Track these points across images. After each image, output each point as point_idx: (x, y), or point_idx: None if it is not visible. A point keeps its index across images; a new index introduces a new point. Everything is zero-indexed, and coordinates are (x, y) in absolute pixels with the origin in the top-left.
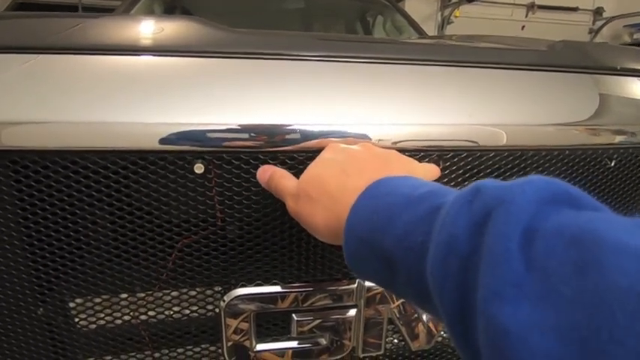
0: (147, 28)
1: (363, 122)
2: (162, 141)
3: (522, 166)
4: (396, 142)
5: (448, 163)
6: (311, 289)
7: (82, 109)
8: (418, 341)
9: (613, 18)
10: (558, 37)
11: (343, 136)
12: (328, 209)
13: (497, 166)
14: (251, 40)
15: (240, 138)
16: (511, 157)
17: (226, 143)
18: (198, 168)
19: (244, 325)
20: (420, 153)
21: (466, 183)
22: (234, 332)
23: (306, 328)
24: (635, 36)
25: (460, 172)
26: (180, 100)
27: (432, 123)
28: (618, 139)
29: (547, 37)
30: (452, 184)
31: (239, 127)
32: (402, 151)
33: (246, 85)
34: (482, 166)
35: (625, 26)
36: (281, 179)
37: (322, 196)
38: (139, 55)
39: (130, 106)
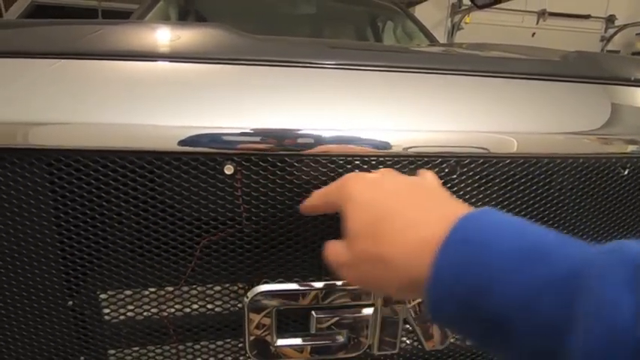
0: (171, 36)
1: (382, 128)
2: (190, 143)
3: (537, 173)
4: (407, 148)
5: (464, 169)
6: (331, 287)
7: (116, 111)
8: (432, 341)
9: (625, 26)
10: (569, 44)
11: (362, 141)
12: (396, 270)
13: (510, 172)
14: (277, 48)
15: (267, 141)
16: (526, 165)
17: (253, 146)
18: (228, 169)
19: (266, 321)
20: (435, 159)
21: (476, 190)
22: (257, 327)
23: (324, 325)
24: None
25: (471, 179)
26: (209, 105)
27: (444, 130)
28: (630, 148)
29: (558, 44)
30: (462, 191)
31: (265, 131)
32: (416, 156)
33: (271, 91)
34: (494, 173)
35: (638, 34)
36: (327, 250)
37: (385, 257)
38: (167, 61)
39: (163, 110)
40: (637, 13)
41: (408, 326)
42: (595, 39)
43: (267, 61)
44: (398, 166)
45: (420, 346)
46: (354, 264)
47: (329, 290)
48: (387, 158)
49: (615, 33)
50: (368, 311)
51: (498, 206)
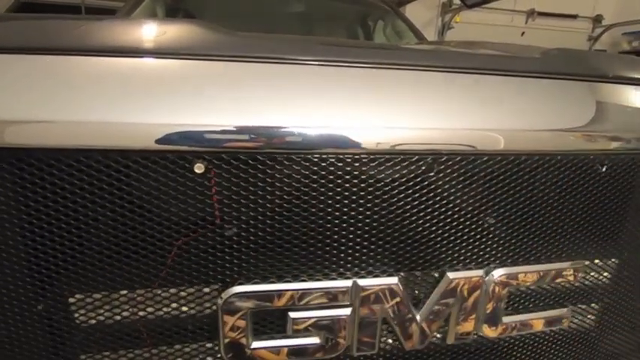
0: (148, 31)
1: (361, 126)
2: (161, 141)
3: (515, 170)
4: (394, 146)
5: (443, 167)
6: (307, 287)
7: (83, 108)
8: (411, 341)
9: (612, 26)
10: (558, 43)
11: (340, 139)
12: None
13: (492, 170)
14: (250, 43)
15: (239, 139)
16: (504, 162)
17: (225, 144)
18: (199, 168)
19: (241, 323)
20: (416, 156)
21: (462, 187)
22: (231, 329)
23: (301, 327)
24: (633, 44)
25: (456, 175)
26: (179, 102)
27: (429, 127)
28: (613, 145)
29: (546, 43)
30: (447, 186)
31: (238, 129)
32: (400, 154)
33: (245, 88)
34: (478, 170)
35: (624, 34)
36: None
37: None
38: (140, 57)
39: (131, 107)
40: (623, 13)
41: (387, 326)
42: (583, 38)
43: (241, 57)
44: (380, 164)
45: (399, 346)
46: None
47: (305, 291)
48: (370, 156)
49: (602, 32)
50: (345, 312)
51: (484, 202)
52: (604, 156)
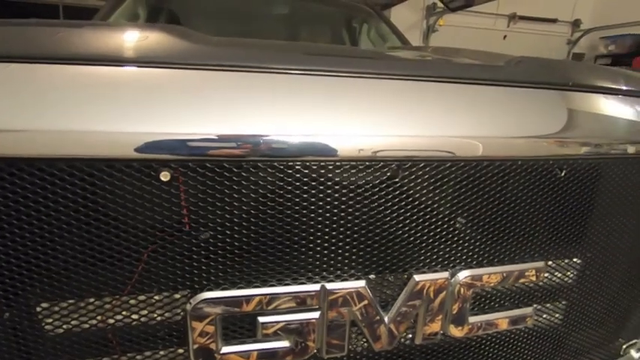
0: (121, 39)
1: (334, 133)
2: (128, 149)
3: (487, 175)
4: (376, 152)
5: (411, 172)
6: (275, 292)
7: (51, 117)
8: (380, 342)
9: (590, 30)
10: (538, 47)
11: (310, 147)
12: None
13: (463, 175)
14: (221, 51)
15: (204, 147)
16: (478, 168)
17: (190, 152)
18: (164, 176)
19: (210, 328)
20: (382, 163)
21: (430, 191)
22: (200, 335)
23: (270, 331)
24: (609, 48)
25: (424, 180)
26: (147, 111)
27: (408, 135)
28: (583, 150)
29: (528, 46)
30: (413, 191)
31: (202, 137)
32: (380, 161)
33: (211, 96)
34: (448, 175)
35: (601, 38)
36: None
37: None
38: (112, 65)
39: (98, 115)
40: (601, 17)
41: (356, 328)
42: (562, 42)
43: (213, 65)
44: (350, 170)
45: (369, 348)
46: None
47: (274, 296)
48: (338, 163)
49: (580, 37)
50: (314, 315)
51: (452, 207)
52: (572, 161)
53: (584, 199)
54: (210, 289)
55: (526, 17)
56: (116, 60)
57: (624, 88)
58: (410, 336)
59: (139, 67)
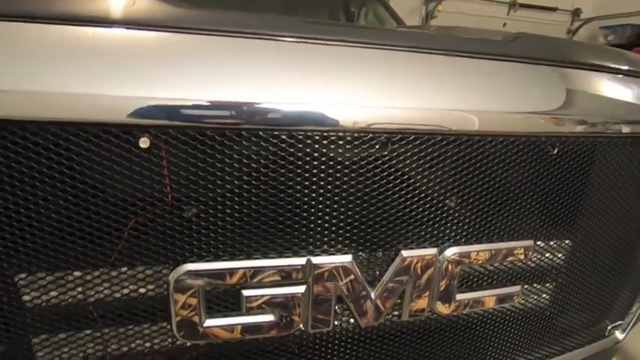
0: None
1: (323, 103)
2: (97, 113)
3: (480, 151)
4: (368, 124)
5: (401, 147)
6: (259, 265)
7: (24, 78)
8: (366, 318)
9: (590, 19)
10: None
11: (301, 117)
12: None
13: (455, 151)
14: (206, 15)
15: (186, 114)
16: (470, 143)
17: (172, 118)
18: (144, 142)
19: (193, 301)
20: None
21: (421, 167)
22: (183, 308)
23: (254, 304)
24: (609, 38)
25: (414, 155)
26: (126, 74)
27: (400, 106)
28: (578, 128)
29: None
30: (403, 166)
31: (184, 103)
32: (370, 132)
33: (194, 61)
34: (439, 151)
35: (601, 28)
36: None
37: None
38: (89, 25)
39: (76, 77)
40: (601, 7)
41: (342, 304)
42: (562, 31)
43: (196, 29)
44: (341, 143)
45: (355, 323)
46: None
47: (258, 269)
48: (325, 134)
49: (580, 26)
50: (299, 289)
51: (443, 183)
52: (564, 139)
53: (577, 178)
54: (194, 261)
55: (526, 5)
56: (100, 21)
57: (623, 67)
58: (396, 313)
59: (123, 28)
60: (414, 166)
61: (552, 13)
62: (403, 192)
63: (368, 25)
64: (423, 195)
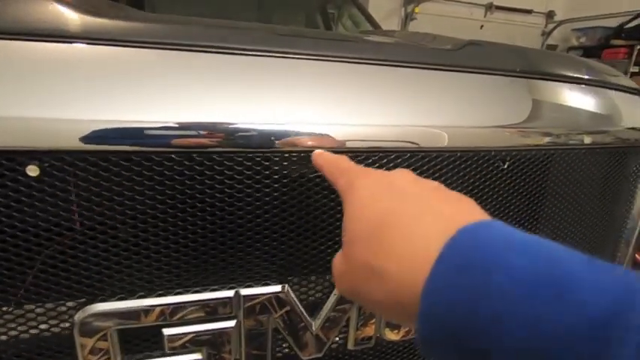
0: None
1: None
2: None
3: (438, 167)
4: (343, 142)
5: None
6: (179, 301)
7: None
8: (308, 350)
9: (562, 22)
10: (514, 37)
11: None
12: (389, 290)
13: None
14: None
15: (74, 137)
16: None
17: (58, 144)
18: (32, 170)
19: (103, 345)
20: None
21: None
22: (92, 353)
23: (177, 344)
24: (580, 40)
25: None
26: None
27: (376, 124)
28: (545, 140)
29: (504, 36)
30: None
31: (74, 124)
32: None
33: (115, 78)
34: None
35: (573, 30)
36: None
37: (379, 270)
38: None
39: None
40: (574, 9)
41: (281, 336)
42: (537, 33)
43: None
44: (269, 164)
45: (295, 356)
46: (349, 271)
47: (177, 305)
48: (257, 155)
49: (554, 28)
50: (229, 324)
51: None
52: (515, 152)
53: (537, 189)
54: (104, 300)
55: (502, 7)
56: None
57: (584, 77)
58: (341, 342)
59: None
60: None
61: (528, 16)
62: (340, 212)
63: (331, 34)
64: None
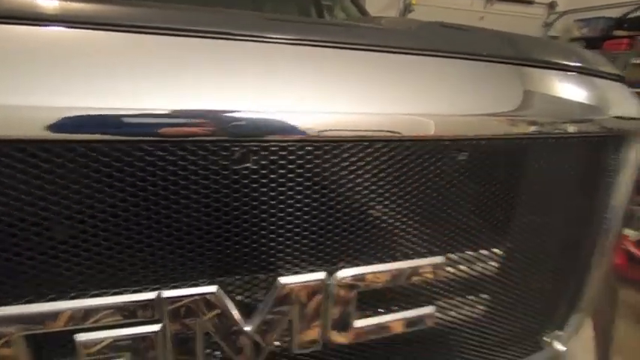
0: None
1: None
2: None
3: (412, 157)
4: (322, 131)
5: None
6: (92, 304)
7: None
8: (243, 355)
9: (564, 13)
10: (515, 28)
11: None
12: None
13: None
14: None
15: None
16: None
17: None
18: None
19: (6, 352)
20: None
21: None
22: None
23: (93, 350)
24: (582, 30)
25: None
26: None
27: (359, 112)
28: (531, 129)
29: (504, 28)
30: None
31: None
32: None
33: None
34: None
35: (575, 21)
36: None
37: None
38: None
39: None
40: (576, 0)
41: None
42: (538, 24)
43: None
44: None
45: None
46: None
47: (90, 308)
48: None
49: (556, 19)
50: (152, 328)
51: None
52: (474, 142)
53: (509, 183)
54: (8, 304)
55: None
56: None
57: (575, 65)
58: (284, 345)
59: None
60: (292, 175)
61: (529, 7)
62: (281, 207)
63: (314, 19)
64: (311, 211)
